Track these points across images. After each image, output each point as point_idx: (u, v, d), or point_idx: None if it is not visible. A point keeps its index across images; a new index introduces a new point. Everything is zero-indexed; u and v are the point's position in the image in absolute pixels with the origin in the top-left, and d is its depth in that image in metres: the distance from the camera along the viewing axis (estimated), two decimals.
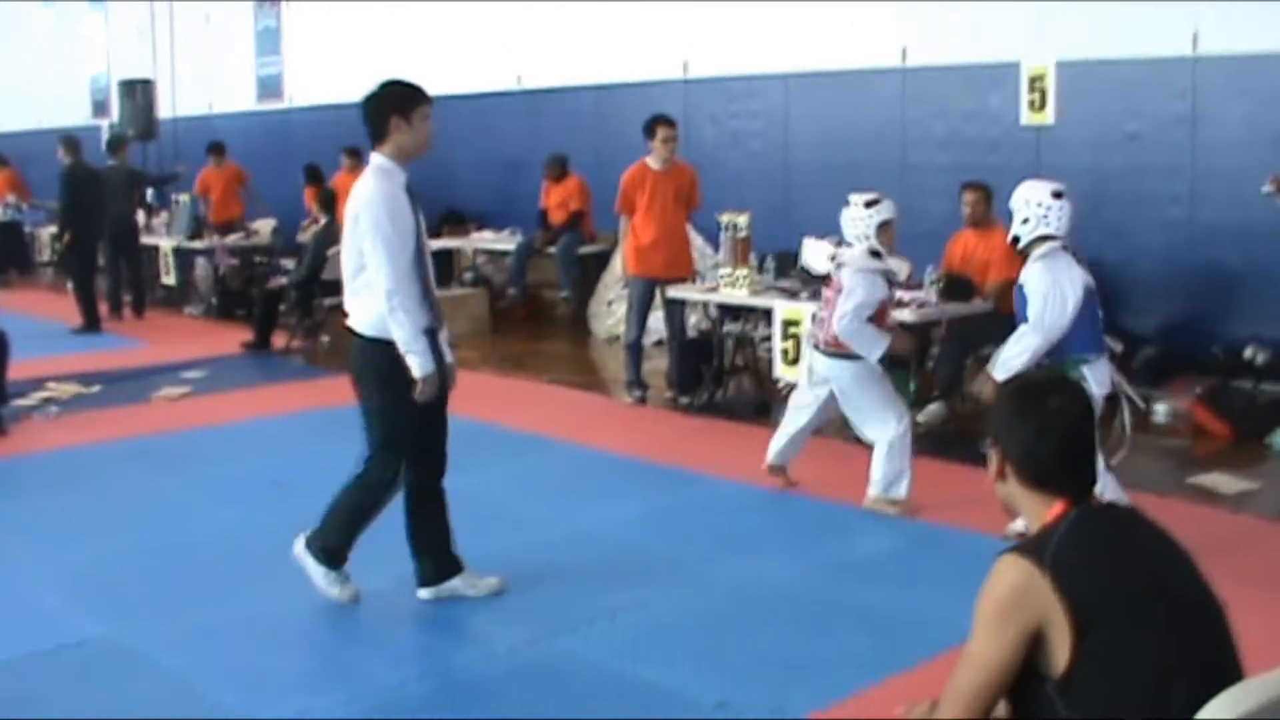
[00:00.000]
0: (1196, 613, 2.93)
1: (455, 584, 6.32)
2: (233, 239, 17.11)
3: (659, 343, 12.15)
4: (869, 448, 7.75)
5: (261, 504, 8.11)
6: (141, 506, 8.18)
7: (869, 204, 7.60)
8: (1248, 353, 10.02)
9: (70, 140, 15.79)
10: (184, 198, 17.84)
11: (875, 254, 7.62)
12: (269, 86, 21.27)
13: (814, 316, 8.46)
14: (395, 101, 5.96)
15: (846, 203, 7.68)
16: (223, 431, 10.15)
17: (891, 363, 7.77)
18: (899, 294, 8.70)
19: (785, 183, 13.57)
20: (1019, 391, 3.22)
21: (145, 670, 5.66)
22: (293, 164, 18.24)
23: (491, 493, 8.31)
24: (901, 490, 7.58)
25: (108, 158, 16.77)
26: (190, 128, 21.96)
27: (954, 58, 12.02)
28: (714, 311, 10.78)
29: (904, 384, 8.24)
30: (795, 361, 9.42)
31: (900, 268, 8.28)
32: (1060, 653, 2.82)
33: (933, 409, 9.76)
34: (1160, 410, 9.96)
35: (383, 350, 5.88)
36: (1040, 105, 11.36)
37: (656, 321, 11.48)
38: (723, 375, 10.83)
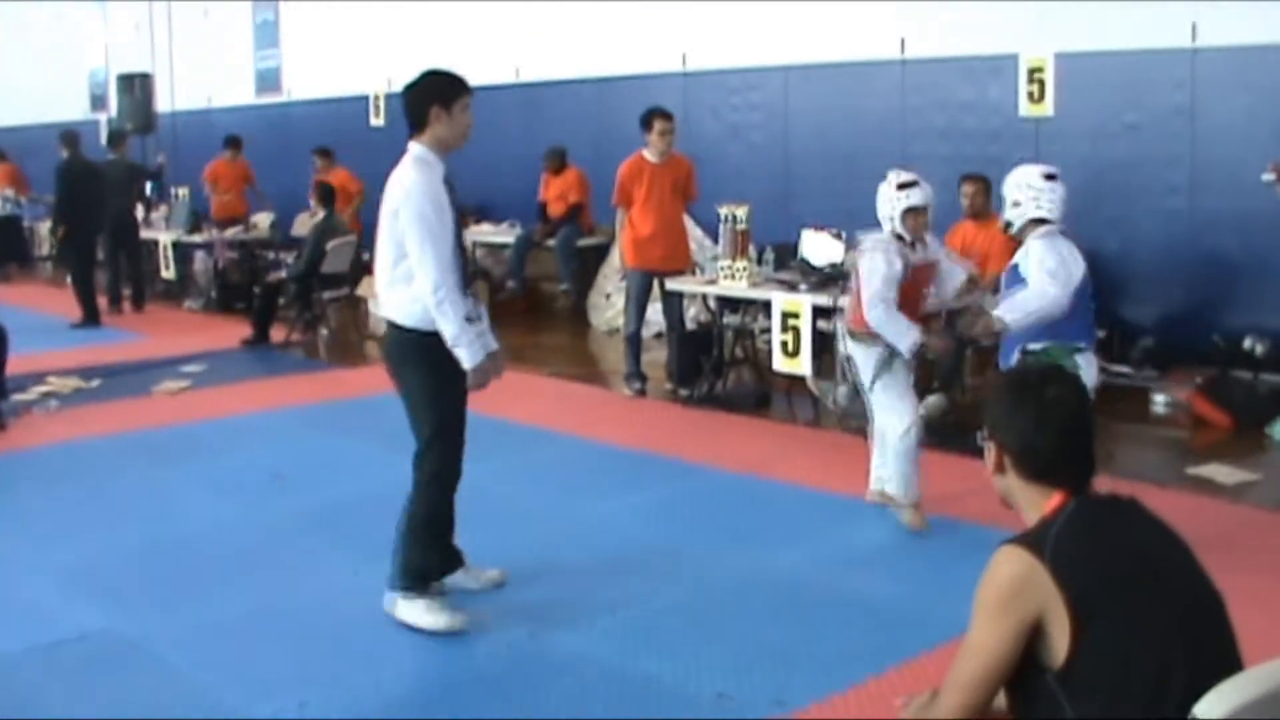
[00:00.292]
0: (1195, 604, 2.93)
1: (457, 578, 6.30)
2: (231, 233, 17.09)
3: (658, 335, 12.15)
4: (867, 438, 7.70)
5: (262, 497, 8.12)
6: (142, 500, 8.19)
7: (902, 185, 7.22)
8: (1247, 343, 10.02)
9: (68, 135, 15.78)
10: (183, 192, 17.84)
11: (899, 238, 7.24)
12: (267, 80, 21.25)
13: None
14: (436, 92, 5.89)
15: (884, 176, 7.42)
16: (223, 425, 10.15)
17: (922, 362, 7.68)
18: None
19: (785, 175, 13.56)
20: (1016, 383, 3.21)
21: (146, 665, 5.66)
22: (291, 157, 18.23)
23: (491, 486, 8.29)
24: (897, 490, 7.31)
25: (108, 152, 16.76)
26: (189, 121, 21.96)
27: (953, 49, 12.02)
28: (713, 303, 10.77)
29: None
30: (795, 354, 9.42)
31: (954, 268, 7.73)
32: (1060, 643, 2.82)
33: (932, 400, 9.74)
34: (1160, 400, 9.98)
35: (423, 341, 5.79)
36: (1039, 97, 11.34)
37: (656, 314, 11.48)
38: (722, 367, 10.83)
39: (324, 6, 19.42)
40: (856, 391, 8.92)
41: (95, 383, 11.80)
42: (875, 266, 7.12)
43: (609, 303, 14.18)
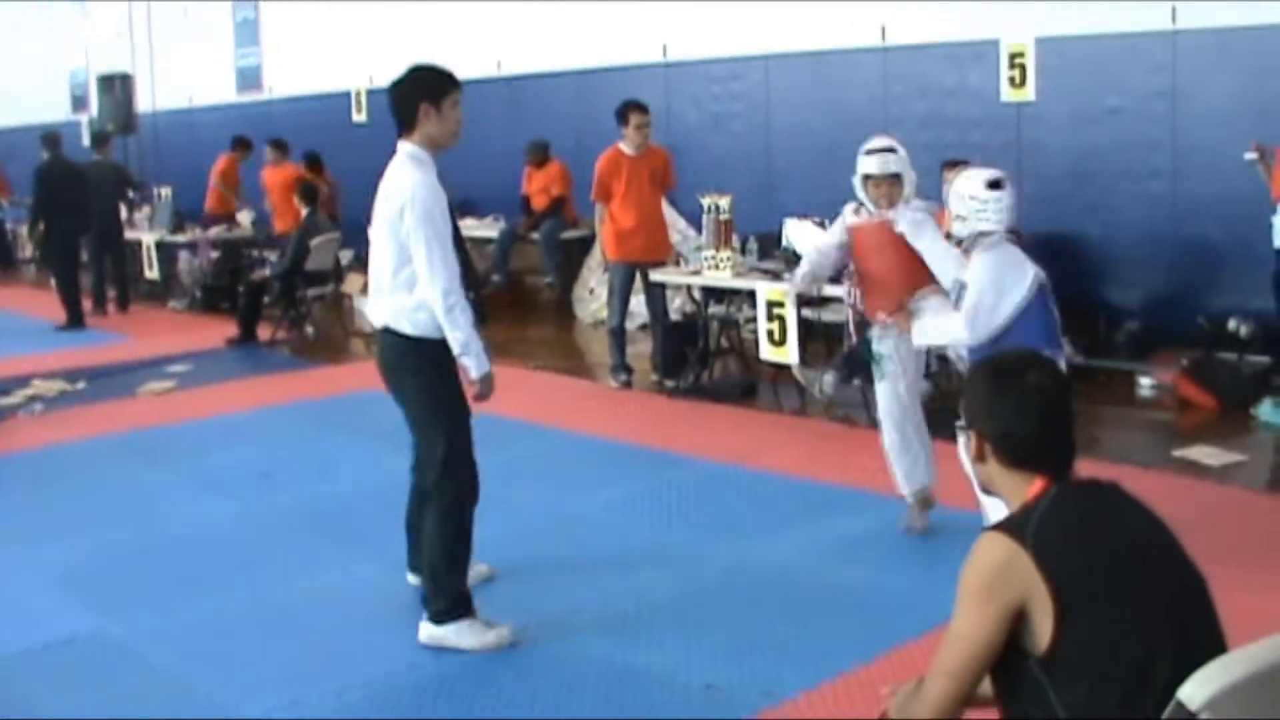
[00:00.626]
0: (1178, 587, 2.93)
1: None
2: (215, 231, 17.06)
3: (644, 326, 12.15)
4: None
5: (249, 496, 8.11)
6: (129, 501, 8.18)
7: (868, 151, 7.07)
8: (1232, 324, 10.03)
9: (49, 136, 15.72)
10: (166, 191, 17.78)
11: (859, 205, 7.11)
12: (248, 78, 21.21)
13: None
14: (425, 89, 5.71)
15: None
16: (209, 424, 10.14)
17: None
18: None
19: (767, 164, 13.56)
20: (995, 371, 3.21)
21: (136, 665, 5.67)
22: None
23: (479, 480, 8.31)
24: (902, 484, 7.10)
25: (92, 153, 16.72)
26: (170, 121, 21.92)
27: (934, 36, 12.03)
28: (698, 294, 10.77)
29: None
30: (780, 343, 9.41)
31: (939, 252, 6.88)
32: (1043, 629, 2.82)
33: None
34: (1145, 383, 10.01)
35: (430, 349, 5.58)
36: (1020, 82, 11.32)
37: (641, 305, 11.48)
38: (708, 357, 10.84)
39: (304, 3, 19.38)
40: (843, 380, 8.94)
41: (80, 385, 11.78)
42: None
43: (593, 296, 14.18)
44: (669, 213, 11.88)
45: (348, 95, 17.99)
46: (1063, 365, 6.11)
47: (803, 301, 9.31)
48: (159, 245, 16.85)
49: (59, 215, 15.09)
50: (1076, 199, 11.11)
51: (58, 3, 25.34)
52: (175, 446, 9.49)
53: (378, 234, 5.67)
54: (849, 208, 7.18)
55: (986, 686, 2.99)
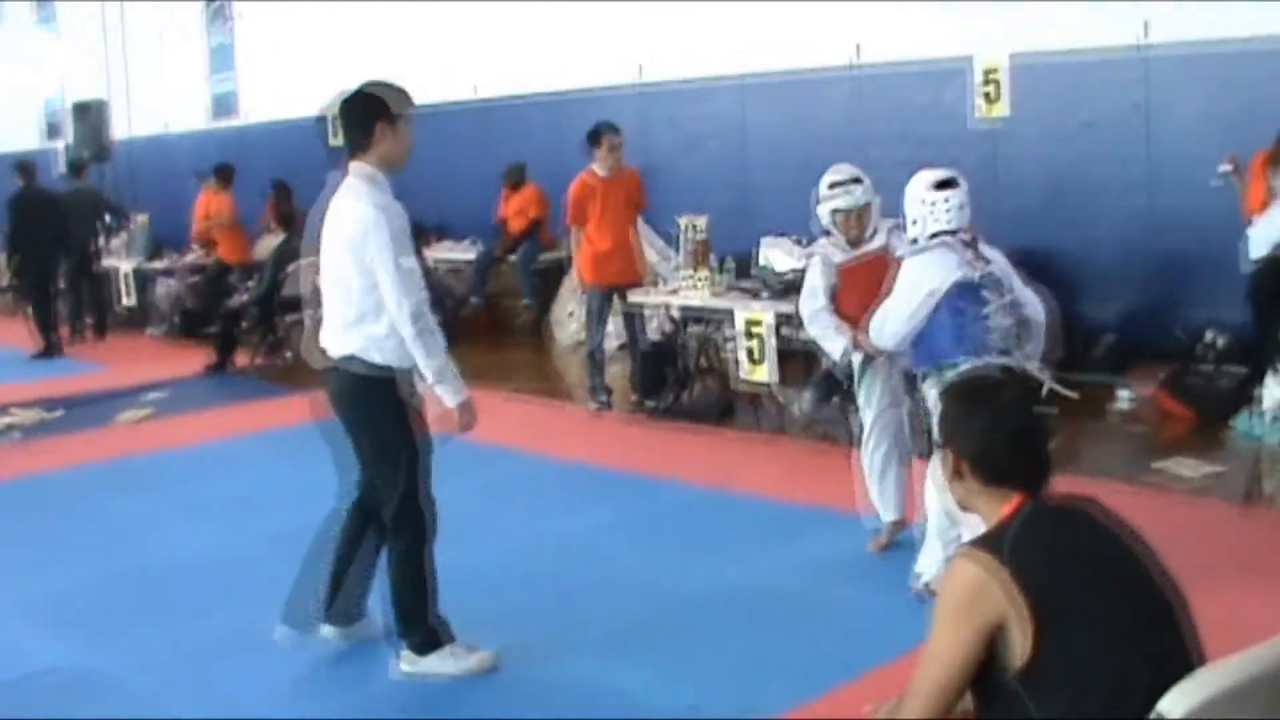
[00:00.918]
0: (1156, 601, 2.94)
1: (359, 627, 5.94)
2: (191, 258, 17.01)
3: (622, 347, 12.14)
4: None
5: (228, 524, 8.08)
6: (107, 530, 8.14)
7: (831, 185, 7.04)
8: (1208, 337, 10.06)
9: (22, 165, 15.67)
10: (142, 218, 17.73)
11: (828, 236, 7.08)
12: (223, 104, 21.19)
13: None
14: (381, 106, 5.46)
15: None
16: (187, 453, 10.10)
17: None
18: None
19: (743, 184, 13.57)
20: (969, 391, 3.23)
21: (116, 696, 5.63)
22: (248, 182, 18.13)
23: (457, 504, 8.18)
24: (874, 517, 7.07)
25: (70, 180, 16.69)
26: (145, 148, 21.88)
27: (907, 55, 12.05)
28: (676, 315, 10.77)
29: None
30: (759, 363, 9.42)
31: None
32: (1021, 646, 2.83)
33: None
34: (1123, 397, 10.02)
35: (391, 381, 5.37)
36: (994, 99, 11.38)
37: (618, 327, 11.48)
38: (686, 379, 10.83)
39: (279, 28, 19.38)
40: (822, 399, 8.93)
41: (58, 413, 11.74)
42: (808, 276, 7.03)
43: (571, 318, 14.17)
44: (647, 233, 11.87)
45: (323, 120, 17.96)
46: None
47: (780, 321, 9.33)
48: (135, 272, 16.81)
49: (33, 244, 15.07)
50: (1052, 215, 11.13)
51: (31, 30, 25.31)
52: (153, 475, 9.46)
53: (336, 261, 5.40)
54: (825, 244, 7.10)
55: (966, 700, 3.00)
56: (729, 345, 10.23)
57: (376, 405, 5.44)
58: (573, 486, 8.76)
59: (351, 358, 5.40)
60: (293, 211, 14.13)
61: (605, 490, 8.57)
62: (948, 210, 6.08)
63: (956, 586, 2.93)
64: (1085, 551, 2.97)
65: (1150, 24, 10.44)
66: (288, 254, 13.53)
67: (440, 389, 5.40)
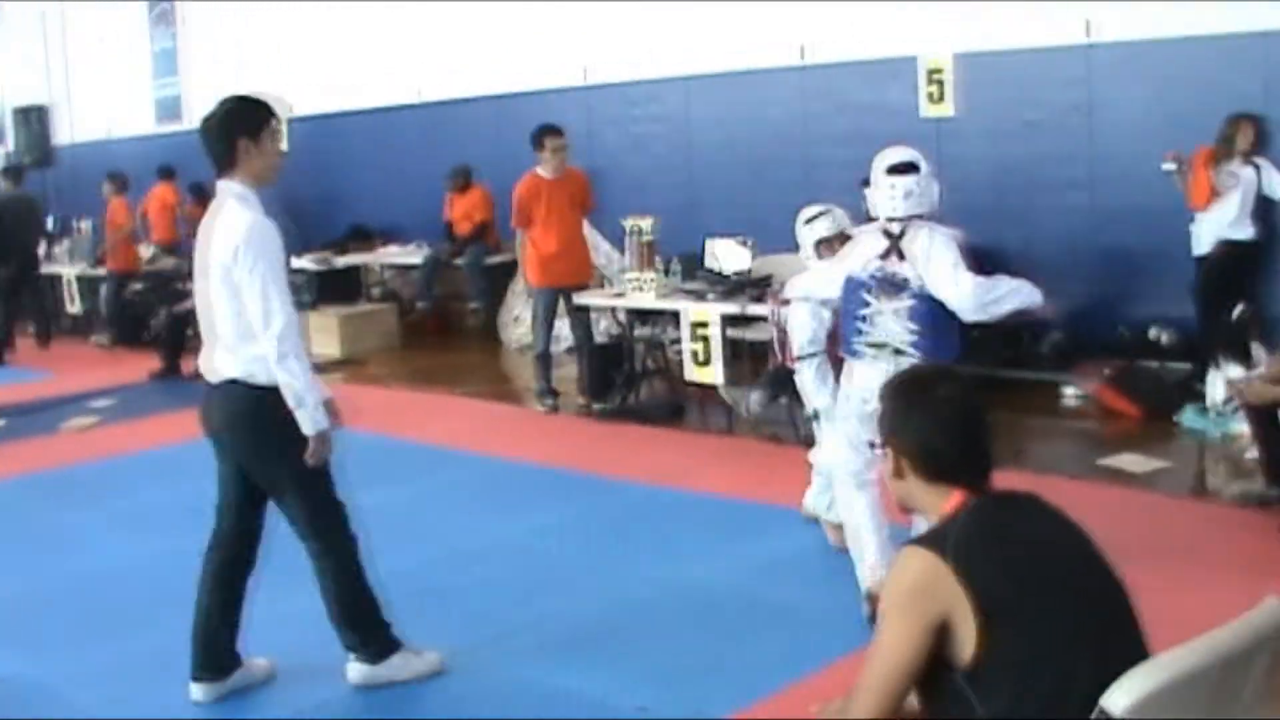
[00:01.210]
0: (1099, 595, 2.95)
1: (237, 677, 5.62)
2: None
3: (570, 349, 12.13)
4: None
5: (175, 532, 7.93)
6: (52, 540, 8.07)
7: (808, 220, 7.04)
8: (1153, 333, 10.14)
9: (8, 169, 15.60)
10: (86, 225, 17.61)
11: None
12: (168, 108, 21.03)
13: None
14: (241, 122, 5.22)
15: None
16: (134, 460, 10.03)
17: None
18: None
19: (689, 185, 13.57)
20: (905, 387, 3.22)
21: (58, 708, 5.58)
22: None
23: (406, 508, 8.27)
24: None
25: (8, 187, 16.56)
26: (88, 153, 21.70)
27: (852, 54, 12.07)
28: (623, 316, 10.76)
29: None
30: (706, 363, 9.43)
31: None
32: (967, 642, 2.82)
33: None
34: (1069, 394, 10.07)
35: (282, 398, 5.14)
36: (939, 97, 11.43)
37: (566, 328, 11.47)
38: (634, 380, 10.83)
39: (223, 33, 19.26)
40: (769, 398, 8.93)
41: (1, 422, 11.63)
42: (798, 321, 6.90)
43: (518, 321, 14.14)
44: (592, 235, 11.87)
45: None
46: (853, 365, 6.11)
47: (727, 321, 9.34)
48: (80, 279, 16.69)
49: None
50: (997, 212, 11.17)
51: None
52: (99, 483, 9.38)
53: (211, 282, 5.18)
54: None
55: (913, 699, 3.00)
56: (676, 346, 10.23)
57: (273, 422, 5.19)
58: (522, 488, 8.73)
59: (235, 382, 5.22)
60: None
61: (554, 491, 8.55)
62: (892, 198, 6.06)
63: (902, 582, 2.92)
64: (1032, 543, 2.97)
65: (1092, 22, 10.51)
66: None
67: (299, 415, 5.13)
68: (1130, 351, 10.12)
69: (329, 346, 14.53)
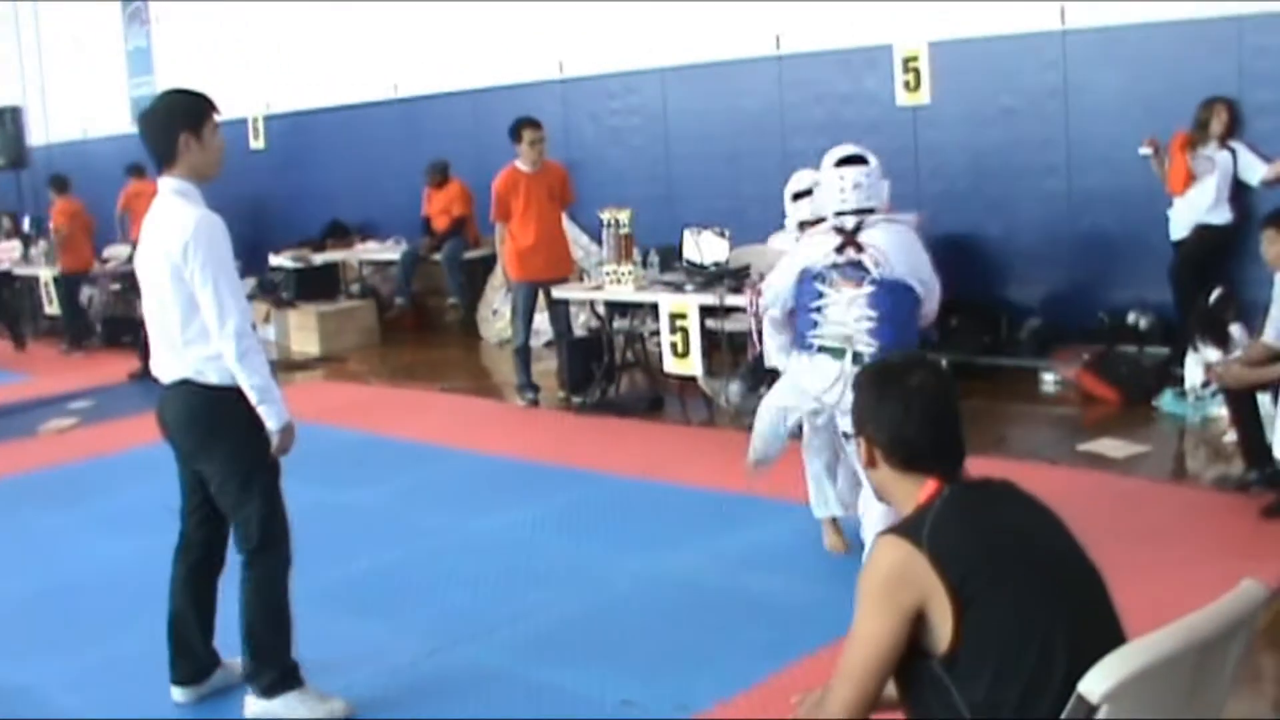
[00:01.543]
0: (1074, 581, 2.95)
1: (217, 678, 5.58)
2: (114, 265, 16.85)
3: (549, 343, 12.12)
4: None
5: (156, 533, 7.91)
6: (33, 543, 8.06)
7: (795, 196, 7.10)
8: (1131, 318, 10.15)
9: None
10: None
11: None
12: (143, 107, 20.95)
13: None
14: (182, 116, 5.10)
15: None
16: (114, 462, 9.99)
17: None
18: None
19: (666, 176, 13.56)
20: (877, 376, 3.22)
21: (42, 710, 5.58)
22: None
23: (387, 504, 8.27)
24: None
25: None
26: (64, 154, 21.63)
27: (827, 43, 12.07)
28: (601, 309, 10.76)
29: None
30: (685, 354, 9.43)
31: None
32: (943, 630, 2.83)
33: None
34: (1048, 379, 10.09)
35: (237, 399, 5.03)
36: (915, 85, 11.45)
37: (545, 322, 11.46)
38: (613, 372, 10.83)
39: (197, 31, 19.19)
40: (749, 389, 8.93)
41: None
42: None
43: (497, 316, 14.14)
44: (570, 229, 11.85)
45: (244, 122, 17.87)
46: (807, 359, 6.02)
47: (705, 312, 9.34)
48: (57, 280, 16.63)
49: None
50: (975, 199, 11.20)
51: None
52: (79, 485, 9.35)
53: (157, 281, 5.06)
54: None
55: (891, 689, 3.00)
56: (655, 338, 10.22)
57: (227, 427, 5.11)
58: (502, 483, 8.72)
59: (186, 382, 5.11)
60: None
61: (535, 486, 8.54)
62: (841, 190, 6.03)
63: (878, 570, 2.92)
64: (1006, 531, 2.96)
65: (1067, 8, 10.52)
66: None
67: (262, 409, 5.03)
68: (1109, 337, 10.14)
69: (308, 344, 14.52)
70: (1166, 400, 9.18)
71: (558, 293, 10.73)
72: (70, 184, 16.62)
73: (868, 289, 5.84)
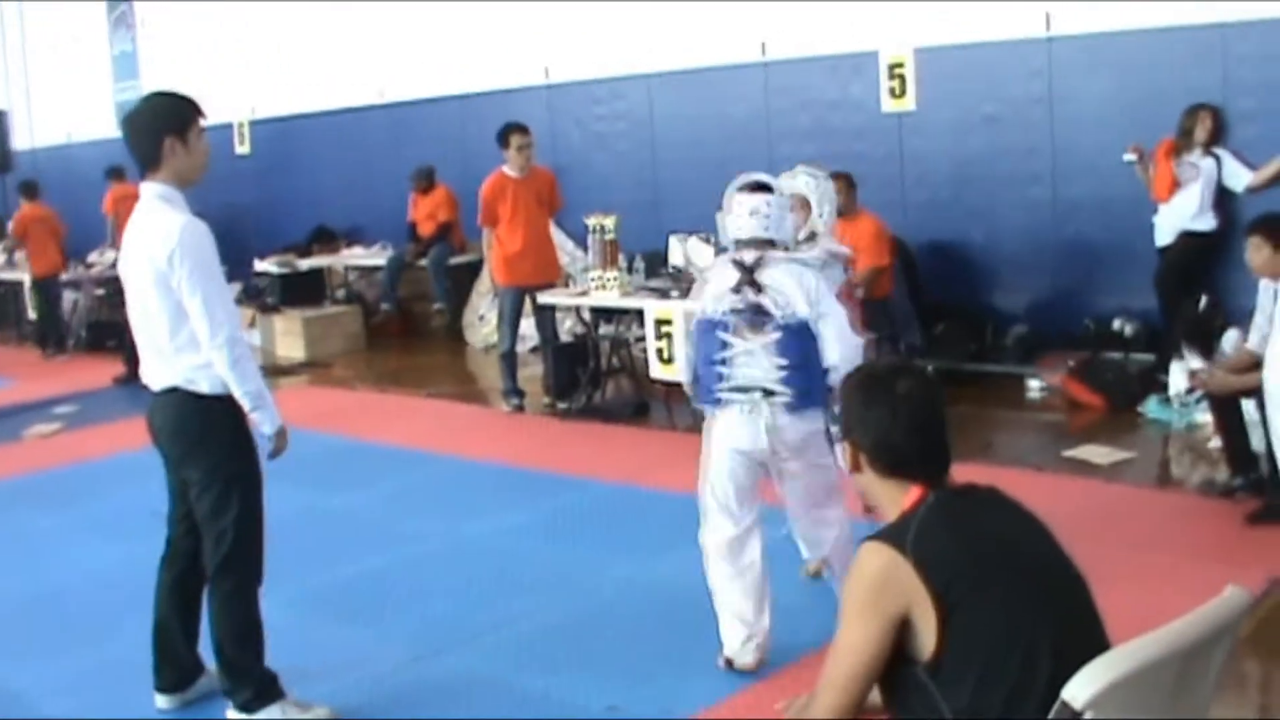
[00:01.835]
0: (1058, 586, 2.96)
1: (201, 684, 5.52)
2: (99, 269, 16.82)
3: (535, 349, 12.11)
4: None
5: (142, 537, 7.88)
6: (19, 548, 8.03)
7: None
8: (1116, 324, 10.18)
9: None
10: None
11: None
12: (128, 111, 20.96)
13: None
14: (168, 120, 5.01)
15: None
16: (99, 466, 9.97)
17: None
18: None
19: (653, 182, 13.57)
20: (865, 381, 3.22)
21: (28, 715, 5.57)
22: None
23: (372, 510, 8.27)
24: None
25: None
26: (49, 158, 21.61)
27: (813, 49, 12.09)
28: (587, 315, 10.75)
29: None
30: (670, 360, 9.42)
31: None
32: (928, 636, 2.84)
33: None
34: (1034, 386, 10.11)
35: (227, 411, 5.01)
36: (901, 92, 11.47)
37: (531, 328, 11.45)
38: (599, 378, 10.83)
39: (183, 36, 19.19)
40: None
41: None
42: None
43: (483, 321, 14.13)
44: (556, 234, 11.85)
45: (230, 127, 17.85)
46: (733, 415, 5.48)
47: (691, 318, 9.32)
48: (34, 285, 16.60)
49: None
50: (960, 206, 11.22)
51: None
52: (64, 490, 9.33)
53: (141, 288, 4.99)
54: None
55: (876, 695, 3.00)
56: (640, 344, 10.22)
57: (213, 436, 5.07)
58: (488, 488, 8.72)
59: (176, 390, 5.05)
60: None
61: (520, 491, 8.54)
62: (738, 216, 5.54)
63: (863, 577, 2.93)
64: (990, 537, 2.97)
65: (1052, 15, 10.54)
66: None
67: (257, 415, 5.03)
68: (1094, 343, 10.16)
69: (293, 349, 14.50)
70: (1151, 407, 9.20)
71: (544, 298, 10.73)
72: (39, 190, 16.62)
73: (774, 335, 5.37)
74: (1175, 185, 9.61)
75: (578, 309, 10.91)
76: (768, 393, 5.37)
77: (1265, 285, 7.04)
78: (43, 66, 22.30)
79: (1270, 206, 7.78)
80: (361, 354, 14.59)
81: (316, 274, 15.79)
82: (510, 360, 10.84)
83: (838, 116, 11.99)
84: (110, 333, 15.74)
